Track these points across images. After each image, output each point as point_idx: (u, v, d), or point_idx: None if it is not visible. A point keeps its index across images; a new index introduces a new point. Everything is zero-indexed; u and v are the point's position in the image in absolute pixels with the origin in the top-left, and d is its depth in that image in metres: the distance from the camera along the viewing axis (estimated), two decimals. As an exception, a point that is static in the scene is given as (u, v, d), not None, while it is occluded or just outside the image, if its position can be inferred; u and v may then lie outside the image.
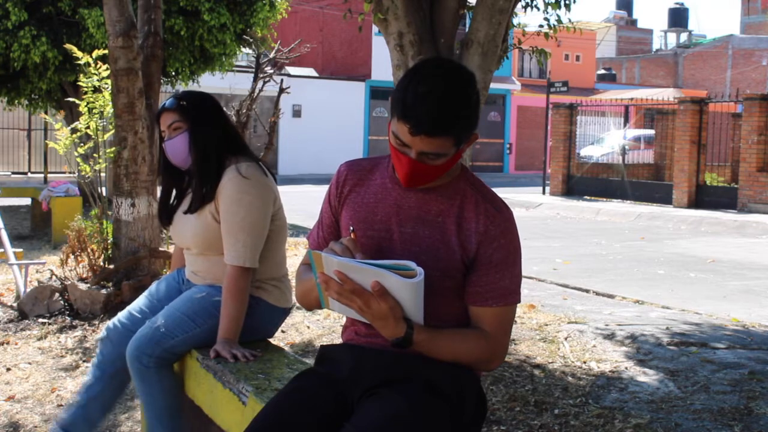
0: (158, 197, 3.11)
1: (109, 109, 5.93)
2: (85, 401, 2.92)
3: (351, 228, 1.96)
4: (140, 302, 3.03)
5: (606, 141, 20.70)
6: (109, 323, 2.98)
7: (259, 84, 11.36)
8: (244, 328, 2.80)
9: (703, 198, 16.29)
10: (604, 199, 17.91)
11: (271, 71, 13.71)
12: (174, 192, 3.00)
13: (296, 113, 25.88)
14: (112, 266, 5.65)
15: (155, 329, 2.75)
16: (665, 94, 26.11)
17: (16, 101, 13.95)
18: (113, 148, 5.80)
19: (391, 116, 1.87)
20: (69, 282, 5.51)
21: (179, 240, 2.99)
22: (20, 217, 12.24)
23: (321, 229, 2.12)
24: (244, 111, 10.02)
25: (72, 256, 5.84)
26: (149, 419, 2.80)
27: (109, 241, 5.76)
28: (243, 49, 14.36)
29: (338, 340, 2.84)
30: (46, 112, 13.08)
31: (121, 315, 2.99)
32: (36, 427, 3.56)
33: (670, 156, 18.17)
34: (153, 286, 3.12)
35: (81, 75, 6.11)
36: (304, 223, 11.63)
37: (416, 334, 1.86)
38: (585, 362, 4.54)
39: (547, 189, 19.41)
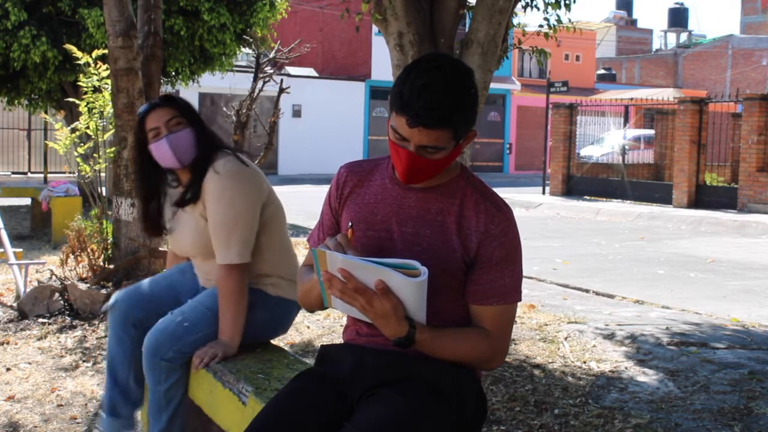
0: (139, 208, 3.09)
1: (109, 109, 5.93)
2: (111, 376, 2.91)
3: (350, 224, 1.96)
4: (150, 279, 3.05)
5: (606, 141, 20.69)
6: (118, 293, 2.96)
7: (259, 84, 11.34)
8: (261, 326, 2.80)
9: (703, 198, 16.28)
10: (604, 199, 17.90)
11: (271, 71, 13.68)
12: (151, 201, 3.01)
13: (296, 113, 25.87)
14: (112, 266, 5.65)
15: (178, 324, 2.71)
16: (665, 94, 26.09)
17: (16, 101, 13.95)
18: (113, 148, 5.80)
19: (390, 111, 1.87)
20: (69, 282, 5.51)
21: (180, 249, 2.98)
22: (20, 217, 12.24)
23: (321, 231, 2.12)
24: (244, 111, 10.02)
25: (72, 256, 5.84)
26: (152, 414, 2.78)
27: (109, 241, 5.76)
28: (243, 49, 14.35)
29: (338, 340, 2.84)
30: (46, 112, 13.07)
31: (129, 287, 3.01)
32: (36, 427, 3.55)
33: (670, 156, 18.17)
34: (165, 272, 3.13)
35: (81, 75, 6.11)
36: (304, 223, 11.62)
37: (419, 333, 1.85)
38: (585, 362, 4.53)
39: (547, 189, 19.40)
